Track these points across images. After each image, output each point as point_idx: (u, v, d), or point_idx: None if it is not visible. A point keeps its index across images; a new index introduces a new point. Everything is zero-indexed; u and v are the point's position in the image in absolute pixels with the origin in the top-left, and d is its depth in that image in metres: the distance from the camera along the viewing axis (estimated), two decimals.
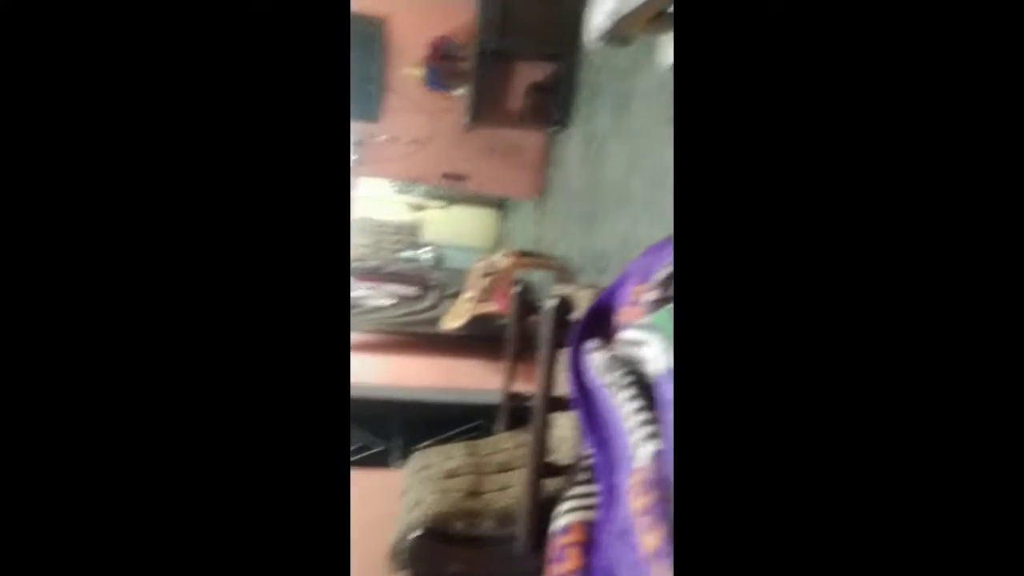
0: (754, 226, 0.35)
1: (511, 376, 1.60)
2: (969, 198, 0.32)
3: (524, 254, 2.75)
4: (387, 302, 2.62)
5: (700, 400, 0.35)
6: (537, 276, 3.04)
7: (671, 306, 0.61)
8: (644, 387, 0.55)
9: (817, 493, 0.33)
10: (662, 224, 1.81)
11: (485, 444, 1.70)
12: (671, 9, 1.43)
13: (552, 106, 3.01)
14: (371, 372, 2.28)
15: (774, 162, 0.35)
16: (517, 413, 1.59)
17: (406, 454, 1.82)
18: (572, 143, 2.87)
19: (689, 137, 0.36)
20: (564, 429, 1.54)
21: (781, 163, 0.35)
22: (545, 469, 0.95)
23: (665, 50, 1.86)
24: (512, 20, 2.76)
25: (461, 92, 3.03)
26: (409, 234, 5.09)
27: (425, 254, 4.80)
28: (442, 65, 2.99)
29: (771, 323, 0.34)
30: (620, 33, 1.28)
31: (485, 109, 3.02)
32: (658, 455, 0.47)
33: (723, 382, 0.34)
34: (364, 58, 2.97)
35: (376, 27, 2.96)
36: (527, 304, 1.63)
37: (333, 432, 0.38)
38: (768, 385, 0.34)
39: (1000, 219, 0.32)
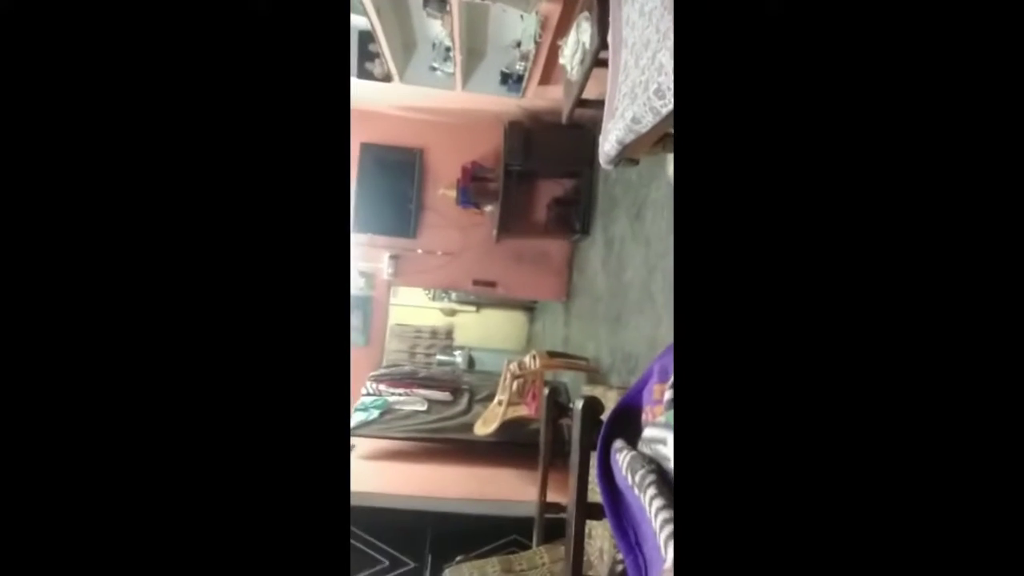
0: (752, 326, 0.36)
1: (544, 484, 1.54)
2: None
3: (553, 355, 2.77)
4: (421, 408, 2.64)
5: (705, 489, 0.36)
6: (568, 377, 3.03)
7: None
8: (667, 484, 0.56)
9: None
10: None
11: (520, 559, 1.60)
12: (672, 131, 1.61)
13: (573, 217, 3.24)
14: (404, 482, 2.24)
15: (769, 257, 0.37)
16: (553, 525, 1.50)
17: (438, 571, 1.72)
18: (594, 249, 3.03)
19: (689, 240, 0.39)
20: (603, 540, 1.44)
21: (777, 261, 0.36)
22: None
23: (671, 165, 2.05)
24: (534, 145, 3.10)
25: (490, 208, 3.33)
26: (443, 338, 5.24)
27: (457, 357, 4.87)
28: (473, 186, 3.35)
29: (777, 416, 0.35)
30: (628, 156, 1.44)
31: (512, 222, 3.29)
32: None
33: (728, 470, 0.35)
34: (404, 182, 3.37)
35: (415, 156, 3.39)
36: (558, 406, 1.62)
37: (331, 553, 0.38)
38: (775, 473, 0.35)
39: (999, 219, 0.32)
